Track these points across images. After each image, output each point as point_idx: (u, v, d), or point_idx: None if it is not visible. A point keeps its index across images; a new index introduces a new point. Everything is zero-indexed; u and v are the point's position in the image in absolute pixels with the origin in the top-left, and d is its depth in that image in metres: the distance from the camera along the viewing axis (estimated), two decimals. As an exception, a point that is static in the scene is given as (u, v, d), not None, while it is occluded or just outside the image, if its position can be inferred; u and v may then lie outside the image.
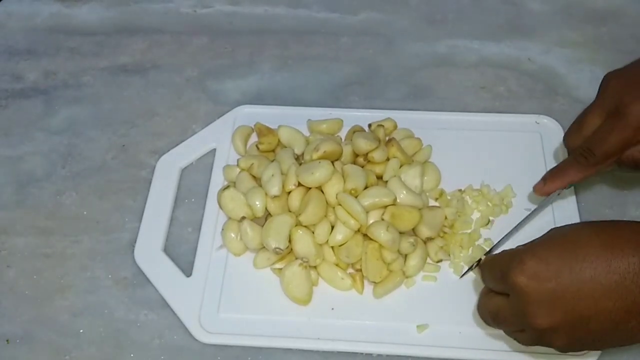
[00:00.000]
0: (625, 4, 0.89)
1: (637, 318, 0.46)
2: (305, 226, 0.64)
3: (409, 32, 0.88)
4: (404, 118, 0.75)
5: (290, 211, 0.66)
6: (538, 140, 0.74)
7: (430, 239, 0.65)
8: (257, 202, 0.66)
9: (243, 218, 0.66)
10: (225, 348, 0.62)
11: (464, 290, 0.63)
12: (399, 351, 0.60)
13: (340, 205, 0.64)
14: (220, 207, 0.68)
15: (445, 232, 0.66)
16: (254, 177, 0.69)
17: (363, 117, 0.76)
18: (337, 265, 0.64)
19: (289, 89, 0.82)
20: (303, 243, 0.63)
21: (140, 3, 0.93)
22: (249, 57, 0.86)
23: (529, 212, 0.67)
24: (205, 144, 0.76)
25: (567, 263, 0.46)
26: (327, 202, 0.65)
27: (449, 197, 0.69)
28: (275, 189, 0.65)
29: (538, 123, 0.76)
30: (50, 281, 0.67)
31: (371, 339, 0.61)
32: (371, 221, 0.64)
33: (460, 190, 0.70)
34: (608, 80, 0.61)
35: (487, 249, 0.65)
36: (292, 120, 0.74)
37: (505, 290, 0.50)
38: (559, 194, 0.66)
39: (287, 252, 0.64)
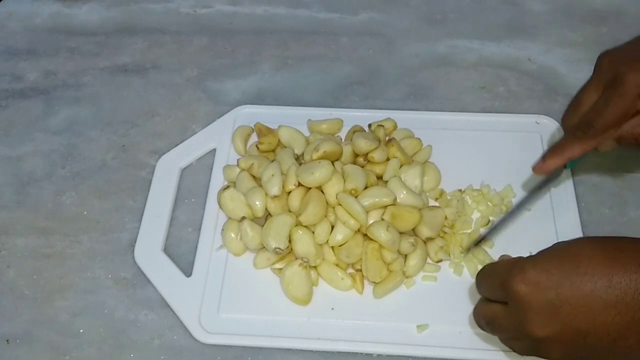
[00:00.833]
0: (626, 3, 0.89)
1: (636, 336, 0.45)
2: (305, 226, 0.64)
3: (409, 32, 0.88)
4: (404, 118, 0.75)
5: (290, 211, 0.66)
6: (538, 140, 0.74)
7: (430, 239, 0.65)
8: (257, 202, 0.66)
9: (243, 218, 0.66)
10: (225, 348, 0.62)
11: (464, 291, 0.63)
12: (399, 351, 0.60)
13: (340, 205, 0.64)
14: (220, 207, 0.68)
15: (445, 232, 0.66)
16: (254, 177, 0.69)
17: (363, 117, 0.76)
18: (337, 265, 0.64)
19: (289, 89, 0.82)
20: (303, 243, 0.63)
21: (141, 3, 0.93)
22: (249, 57, 0.86)
23: (529, 211, 0.68)
24: (205, 144, 0.76)
25: (568, 275, 0.46)
26: (327, 202, 0.65)
27: (449, 197, 0.69)
28: (275, 189, 0.65)
29: (538, 123, 0.76)
30: (50, 281, 0.67)
31: (371, 339, 0.61)
32: (371, 221, 0.64)
33: (460, 190, 0.70)
34: (602, 58, 0.60)
35: (483, 241, 0.65)
36: (292, 121, 0.74)
37: (503, 298, 0.49)
38: (559, 176, 0.65)
39: (287, 252, 0.64)
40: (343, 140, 0.74)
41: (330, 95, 0.81)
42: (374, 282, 0.63)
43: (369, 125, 0.73)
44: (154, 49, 0.88)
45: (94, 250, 0.69)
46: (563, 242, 0.50)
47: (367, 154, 0.68)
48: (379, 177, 0.68)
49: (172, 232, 0.70)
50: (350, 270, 0.65)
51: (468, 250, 0.64)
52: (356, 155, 0.69)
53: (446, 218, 0.67)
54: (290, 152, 0.70)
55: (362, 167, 0.68)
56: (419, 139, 0.73)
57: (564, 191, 0.69)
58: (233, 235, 0.66)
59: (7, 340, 0.64)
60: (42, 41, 0.90)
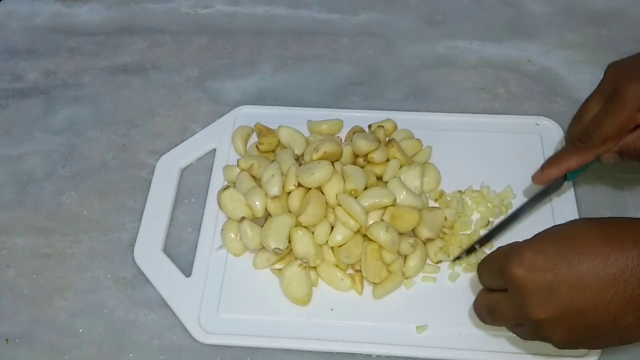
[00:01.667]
0: (626, 5, 0.89)
1: (635, 313, 0.45)
2: (305, 227, 0.64)
3: (409, 33, 0.88)
4: (404, 119, 0.75)
5: (290, 212, 0.66)
6: (538, 141, 0.74)
7: (430, 240, 0.65)
8: (257, 203, 0.66)
9: (243, 218, 0.66)
10: (224, 348, 0.62)
11: (463, 291, 0.63)
12: (398, 352, 0.60)
13: (340, 205, 0.64)
14: (220, 207, 0.68)
15: (445, 233, 0.66)
16: (253, 177, 0.69)
17: (363, 117, 0.76)
18: (336, 265, 0.64)
19: (289, 89, 0.82)
20: (303, 243, 0.63)
21: (141, 3, 0.93)
22: (249, 58, 0.86)
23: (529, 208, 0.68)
24: (205, 144, 0.76)
25: (565, 255, 0.46)
26: (327, 203, 0.65)
27: (448, 198, 0.69)
28: (275, 190, 0.65)
29: (538, 124, 0.76)
30: (50, 281, 0.67)
31: (370, 340, 0.61)
32: (371, 222, 0.64)
33: (460, 191, 0.70)
34: (609, 69, 0.61)
35: (480, 239, 0.65)
36: (292, 121, 0.74)
37: (502, 285, 0.50)
38: (558, 188, 0.65)
39: (286, 253, 0.64)
40: (343, 140, 0.74)
41: (330, 95, 0.81)
42: (374, 283, 0.63)
43: (369, 126, 0.73)
44: (154, 49, 0.88)
45: (93, 250, 0.69)
46: (557, 225, 0.50)
47: (367, 154, 0.68)
48: (379, 178, 0.68)
49: (172, 232, 0.70)
50: (350, 271, 0.65)
51: (457, 258, 0.64)
52: (356, 155, 0.69)
53: (446, 219, 0.67)
54: (290, 153, 0.70)
55: (362, 167, 0.68)
56: (419, 139, 0.73)
57: (564, 192, 0.69)
58: (233, 236, 0.66)
59: (7, 340, 0.64)
60: (43, 41, 0.90)
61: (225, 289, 0.65)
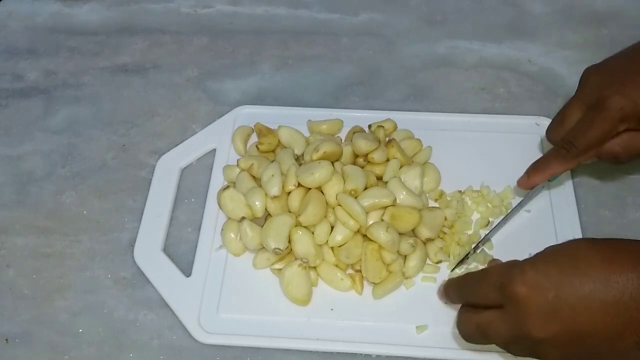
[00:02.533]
0: (626, 5, 0.89)
1: (633, 336, 0.45)
2: (305, 227, 0.64)
3: (409, 33, 0.88)
4: (404, 119, 0.75)
5: (290, 212, 0.66)
6: (538, 141, 0.74)
7: (430, 240, 0.65)
8: (257, 203, 0.66)
9: (243, 218, 0.66)
10: (224, 348, 0.62)
11: (464, 292, 0.63)
12: (398, 352, 0.60)
13: (340, 205, 0.64)
14: (220, 207, 0.68)
15: (445, 233, 0.66)
16: (253, 177, 0.69)
17: (363, 117, 0.76)
18: (336, 265, 0.64)
19: (289, 89, 0.82)
20: (303, 243, 0.63)
21: (141, 3, 0.93)
22: (249, 58, 0.86)
23: (528, 213, 0.68)
24: (205, 144, 0.76)
25: (567, 276, 0.46)
26: (326, 203, 0.65)
27: (448, 198, 0.69)
28: (275, 190, 0.65)
29: (538, 125, 0.76)
30: (50, 281, 0.67)
31: (370, 340, 0.61)
32: (371, 222, 0.64)
33: (460, 191, 0.70)
34: (588, 75, 0.62)
35: (475, 244, 0.65)
36: (292, 121, 0.74)
37: (498, 301, 0.50)
38: (542, 187, 0.67)
39: (286, 253, 0.64)
40: (343, 140, 0.74)
41: (331, 95, 0.81)
42: (374, 283, 0.63)
43: (369, 126, 0.73)
44: (154, 49, 0.88)
45: (93, 250, 0.69)
46: (557, 245, 0.50)
47: (367, 154, 0.68)
48: (379, 178, 0.68)
49: (172, 232, 0.70)
50: (350, 271, 0.65)
51: (453, 269, 0.64)
52: (356, 155, 0.69)
53: (446, 219, 0.67)
54: (290, 153, 0.70)
55: (362, 167, 0.67)
56: (419, 139, 0.73)
57: (564, 192, 0.69)
58: (233, 236, 0.66)
59: (7, 340, 0.64)
60: (43, 41, 0.90)
61: (225, 289, 0.65)
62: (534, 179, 0.65)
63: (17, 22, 0.93)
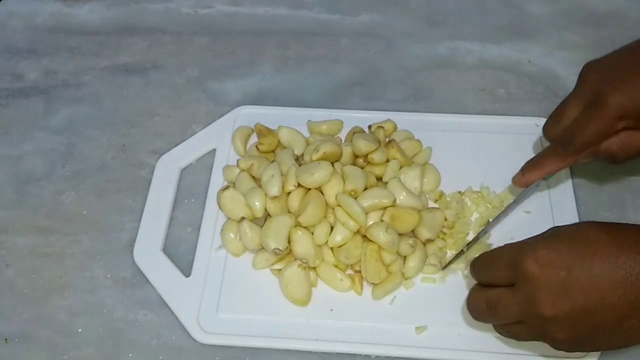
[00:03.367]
0: (626, 6, 0.89)
1: (638, 315, 0.46)
2: (304, 227, 0.64)
3: (410, 34, 0.88)
4: (404, 119, 0.75)
5: (289, 212, 0.66)
6: (538, 142, 0.74)
7: (430, 240, 0.65)
8: (257, 203, 0.66)
9: (242, 218, 0.66)
10: (223, 348, 0.62)
11: (463, 292, 0.63)
12: (397, 353, 0.60)
13: (339, 206, 0.64)
14: (220, 207, 0.68)
15: (445, 234, 0.66)
16: (253, 177, 0.69)
17: (363, 118, 0.76)
18: (336, 266, 0.64)
19: (289, 89, 0.82)
20: (302, 244, 0.63)
21: (141, 3, 0.93)
22: (250, 58, 0.86)
23: (528, 214, 0.68)
24: (205, 144, 0.76)
25: (579, 255, 0.47)
26: (326, 203, 0.65)
27: (448, 199, 0.69)
28: (274, 190, 0.65)
29: (538, 125, 0.75)
30: (49, 280, 0.67)
31: (370, 340, 0.61)
32: (370, 222, 0.64)
33: (459, 192, 0.70)
34: (586, 71, 0.61)
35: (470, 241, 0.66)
36: (292, 121, 0.74)
37: (510, 279, 0.50)
38: (537, 185, 0.67)
39: (286, 253, 0.64)
40: (343, 141, 0.74)
41: (331, 96, 0.81)
42: (373, 284, 0.63)
43: (369, 127, 0.73)
44: (155, 48, 0.88)
45: (93, 250, 0.69)
46: (564, 225, 0.51)
47: (366, 155, 0.68)
48: (379, 179, 0.68)
49: (172, 232, 0.70)
50: (350, 272, 0.65)
51: (445, 267, 0.65)
52: (356, 156, 0.69)
53: (446, 219, 0.67)
54: (290, 153, 0.70)
55: (362, 168, 0.67)
56: (419, 140, 0.73)
57: (564, 194, 0.69)
58: (232, 236, 0.66)
59: (6, 339, 0.64)
60: (43, 40, 0.90)
61: (225, 289, 0.65)
62: (530, 176, 0.64)
63: (18, 21, 0.93)
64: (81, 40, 0.89)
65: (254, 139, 0.76)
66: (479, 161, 0.73)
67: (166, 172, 0.74)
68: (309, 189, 0.66)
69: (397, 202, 0.65)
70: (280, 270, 0.64)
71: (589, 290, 0.47)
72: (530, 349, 0.59)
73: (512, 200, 0.67)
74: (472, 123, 0.76)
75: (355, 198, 0.64)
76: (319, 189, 0.65)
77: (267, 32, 0.89)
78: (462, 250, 0.65)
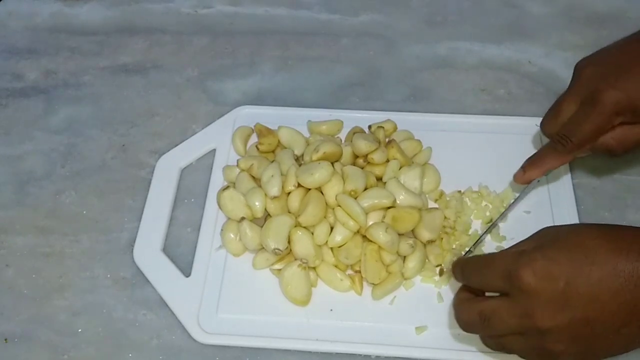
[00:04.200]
0: (627, 6, 0.89)
1: (637, 322, 0.46)
2: (304, 227, 0.64)
3: (410, 34, 0.88)
4: (404, 120, 0.75)
5: (289, 212, 0.66)
6: (538, 142, 0.74)
7: (430, 241, 0.65)
8: (257, 203, 0.66)
9: (242, 218, 0.66)
10: (223, 348, 0.62)
11: (463, 292, 0.63)
12: (397, 353, 0.60)
13: (339, 206, 0.64)
14: (220, 207, 0.68)
15: (446, 233, 0.66)
16: (253, 177, 0.69)
17: (363, 118, 0.76)
18: (336, 266, 0.64)
19: (289, 89, 0.82)
20: (302, 244, 0.63)
21: (141, 3, 0.93)
22: (250, 58, 0.86)
23: (528, 214, 0.68)
24: (205, 144, 0.76)
25: (577, 264, 0.47)
26: (326, 203, 0.65)
27: (448, 199, 0.69)
28: (274, 190, 0.65)
29: (537, 126, 0.75)
30: (49, 280, 0.67)
31: (370, 341, 0.61)
32: (370, 222, 0.63)
33: (459, 191, 0.70)
34: (582, 68, 0.62)
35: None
36: (292, 121, 0.74)
37: (504, 289, 0.49)
38: (538, 181, 0.68)
39: (286, 253, 0.64)
40: (343, 141, 0.74)
41: (331, 96, 0.81)
42: (373, 284, 0.63)
43: (369, 127, 0.73)
44: (155, 48, 0.88)
45: (93, 250, 0.69)
46: (555, 228, 0.51)
47: (366, 155, 0.68)
48: (379, 179, 0.68)
49: (172, 232, 0.70)
50: (349, 272, 0.65)
51: (442, 273, 0.64)
52: (356, 156, 0.69)
53: (446, 218, 0.67)
54: (290, 153, 0.70)
55: (362, 168, 0.67)
56: (419, 140, 0.73)
57: (564, 194, 0.69)
58: (232, 236, 0.66)
59: (6, 339, 0.64)
60: (43, 40, 0.90)
61: (225, 289, 0.65)
62: (531, 173, 0.65)
63: (18, 21, 0.93)
64: (81, 40, 0.89)
65: (254, 139, 0.76)
66: (479, 161, 0.72)
67: (166, 172, 0.74)
68: (309, 189, 0.65)
69: (397, 202, 0.65)
70: (280, 270, 0.64)
71: (589, 301, 0.46)
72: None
73: (514, 199, 0.67)
74: (472, 123, 0.76)
75: (355, 198, 0.64)
76: (319, 189, 0.65)
77: (267, 32, 0.89)
78: (469, 249, 0.64)
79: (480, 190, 0.70)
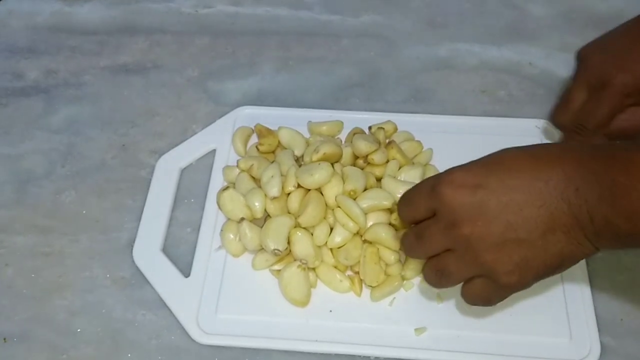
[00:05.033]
0: (627, 8, 0.89)
1: (561, 228, 0.46)
2: (304, 228, 0.64)
3: (410, 35, 0.88)
4: (405, 121, 0.75)
5: (289, 213, 0.66)
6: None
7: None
8: (257, 203, 0.66)
9: (242, 219, 0.65)
10: (222, 349, 0.62)
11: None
12: (396, 354, 0.60)
13: (339, 207, 0.64)
14: (220, 207, 0.68)
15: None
16: (253, 178, 0.69)
17: (363, 119, 0.76)
18: (335, 267, 0.64)
19: (289, 90, 0.82)
20: (302, 245, 0.63)
21: (142, 2, 0.93)
22: (250, 58, 0.86)
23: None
24: (206, 145, 0.76)
25: (495, 173, 0.48)
26: (326, 204, 0.65)
27: (448, 201, 0.69)
28: (274, 190, 0.65)
29: (538, 127, 0.76)
30: (49, 280, 0.67)
31: (369, 342, 0.61)
32: (370, 223, 0.63)
33: (459, 193, 0.70)
34: (587, 55, 0.64)
35: None
36: (292, 122, 0.74)
37: (431, 210, 0.50)
38: None
39: (285, 254, 0.64)
40: (343, 142, 0.74)
41: (331, 97, 0.81)
42: (371, 287, 0.63)
43: (369, 128, 0.73)
44: (155, 48, 0.88)
45: (92, 250, 0.69)
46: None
47: (367, 156, 0.68)
48: (379, 180, 0.68)
49: (171, 232, 0.70)
50: (349, 273, 0.65)
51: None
52: (356, 157, 0.69)
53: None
54: (290, 154, 0.70)
55: (362, 169, 0.67)
56: (419, 141, 0.73)
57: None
58: (232, 236, 0.66)
59: (5, 339, 0.63)
60: (43, 40, 0.90)
61: (224, 289, 0.65)
62: None
63: (18, 20, 0.93)
64: (82, 39, 0.89)
65: (254, 139, 0.76)
66: (479, 163, 0.72)
67: (166, 172, 0.74)
68: (309, 190, 0.65)
69: (396, 200, 0.65)
70: (279, 271, 0.64)
71: (507, 204, 0.47)
72: (529, 351, 0.59)
73: None
74: (472, 124, 0.76)
75: (355, 199, 0.64)
76: (319, 190, 0.65)
77: (268, 32, 0.89)
78: None
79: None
